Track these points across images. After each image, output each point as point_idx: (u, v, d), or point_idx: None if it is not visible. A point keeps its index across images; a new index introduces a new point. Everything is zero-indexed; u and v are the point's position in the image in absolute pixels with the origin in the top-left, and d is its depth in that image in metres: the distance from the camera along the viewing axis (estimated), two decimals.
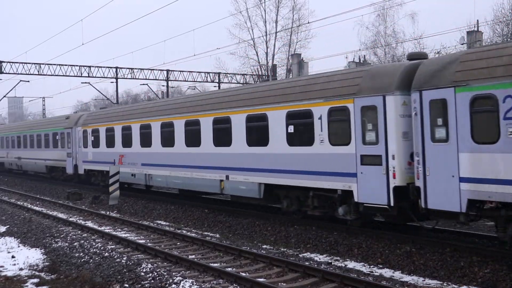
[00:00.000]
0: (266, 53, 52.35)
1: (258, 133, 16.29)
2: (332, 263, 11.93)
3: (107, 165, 24.05)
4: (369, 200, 12.73)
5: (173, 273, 10.88)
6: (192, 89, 52.97)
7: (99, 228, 17.30)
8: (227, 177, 17.44)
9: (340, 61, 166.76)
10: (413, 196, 11.97)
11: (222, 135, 17.76)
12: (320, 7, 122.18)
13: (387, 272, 11.14)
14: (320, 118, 13.98)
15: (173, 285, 9.90)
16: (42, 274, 11.95)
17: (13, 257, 13.57)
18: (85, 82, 46.26)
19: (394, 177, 12.13)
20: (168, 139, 20.70)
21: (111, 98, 53.31)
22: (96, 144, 26.81)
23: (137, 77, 45.88)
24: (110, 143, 25.30)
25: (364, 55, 45.53)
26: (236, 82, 48.85)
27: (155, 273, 10.70)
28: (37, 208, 23.18)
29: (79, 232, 17.00)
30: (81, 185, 30.35)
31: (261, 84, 18.91)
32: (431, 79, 11.40)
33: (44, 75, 41.87)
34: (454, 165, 10.86)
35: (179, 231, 16.48)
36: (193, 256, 12.86)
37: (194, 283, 9.93)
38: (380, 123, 12.47)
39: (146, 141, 22.16)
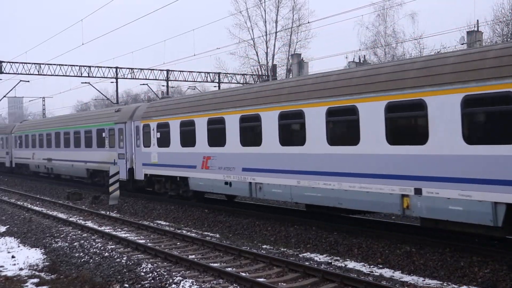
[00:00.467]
0: (266, 53, 52.47)
1: (493, 123, 10.40)
2: (332, 263, 11.93)
3: (182, 170, 19.74)
4: None
5: (173, 273, 10.88)
6: (192, 89, 52.99)
7: (99, 228, 17.29)
8: (417, 191, 11.59)
9: (340, 61, 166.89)
10: None
11: (405, 128, 12.28)
12: (320, 7, 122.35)
13: (387, 272, 11.14)
14: None
15: (173, 285, 9.91)
16: (42, 274, 11.95)
17: (13, 257, 13.57)
18: (85, 82, 46.32)
19: None
20: (292, 135, 15.15)
21: (111, 98, 53.35)
22: (164, 142, 20.94)
23: (137, 77, 45.95)
24: (188, 141, 19.36)
25: (364, 55, 45.60)
26: (236, 82, 48.91)
27: (155, 273, 10.71)
28: (37, 208, 23.17)
29: (79, 232, 17.00)
30: (141, 194, 24.38)
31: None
32: None
33: (44, 75, 41.92)
34: None
35: (179, 231, 16.48)
36: (193, 256, 12.86)
37: (194, 283, 9.93)
38: None
39: (251, 138, 16.46)
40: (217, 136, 17.86)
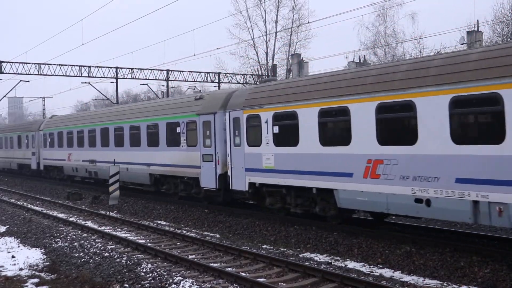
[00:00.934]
0: (266, 53, 52.50)
1: None
2: (332, 263, 11.93)
3: (323, 179, 14.08)
4: None
5: (173, 273, 10.88)
6: (192, 89, 53.01)
7: (99, 228, 17.30)
8: None
9: (340, 61, 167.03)
10: None
11: None
12: (320, 7, 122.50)
13: (387, 272, 11.14)
14: None
15: (173, 285, 9.91)
16: (42, 274, 11.95)
17: (13, 257, 13.58)
18: (85, 82, 46.34)
19: None
20: None
21: (111, 98, 53.36)
22: (287, 139, 15.38)
23: (137, 77, 45.97)
24: (336, 137, 14.02)
25: (364, 55, 45.62)
26: (236, 82, 48.95)
27: (155, 273, 10.71)
28: (37, 208, 23.17)
29: (79, 232, 17.00)
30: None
31: None
32: None
33: (44, 75, 41.91)
34: None
35: (179, 231, 16.48)
36: (193, 256, 12.86)
37: (194, 283, 9.93)
38: None
39: (477, 130, 11.09)
40: (397, 129, 12.50)
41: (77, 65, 42.49)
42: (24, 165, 39.24)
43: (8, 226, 18.75)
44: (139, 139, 23.31)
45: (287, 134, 15.32)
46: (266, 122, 16.02)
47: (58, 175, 33.77)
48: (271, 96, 16.07)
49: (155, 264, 11.87)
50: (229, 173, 17.67)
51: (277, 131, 15.68)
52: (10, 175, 43.56)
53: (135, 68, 45.79)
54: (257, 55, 52.54)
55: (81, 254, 13.33)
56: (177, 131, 20.54)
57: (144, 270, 11.04)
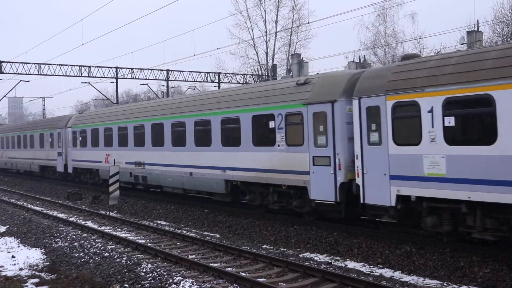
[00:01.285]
0: (266, 53, 52.53)
1: None
2: (332, 263, 11.93)
3: None
4: None
5: (173, 273, 10.88)
6: (192, 89, 53.04)
7: (99, 228, 17.30)
8: None
9: (340, 61, 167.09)
10: None
11: None
12: (320, 7, 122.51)
13: (387, 272, 11.14)
14: None
15: (173, 285, 9.91)
16: (42, 274, 11.95)
17: (13, 257, 13.58)
18: (85, 82, 46.35)
19: None
20: None
21: (111, 98, 53.38)
22: (472, 135, 10.99)
23: (137, 77, 45.99)
24: None
25: (364, 55, 45.60)
26: (236, 82, 48.95)
27: (155, 273, 10.71)
28: (37, 208, 23.17)
29: (79, 232, 17.00)
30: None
31: None
32: None
33: (44, 75, 41.94)
34: None
35: (179, 231, 16.48)
36: (193, 256, 12.86)
37: (194, 283, 9.93)
38: None
39: None
40: None
41: (77, 65, 42.53)
42: (48, 167, 34.64)
43: (8, 226, 18.75)
44: (209, 137, 18.61)
45: (472, 127, 11.05)
46: (431, 111, 11.46)
47: (92, 179, 28.78)
48: (438, 74, 11.41)
49: (155, 264, 11.87)
50: (358, 181, 13.16)
51: (452, 124, 11.09)
52: (11, 175, 43.45)
53: (135, 68, 45.83)
54: (257, 55, 52.63)
55: (81, 254, 13.33)
56: (270, 126, 16.00)
57: (144, 270, 11.04)
